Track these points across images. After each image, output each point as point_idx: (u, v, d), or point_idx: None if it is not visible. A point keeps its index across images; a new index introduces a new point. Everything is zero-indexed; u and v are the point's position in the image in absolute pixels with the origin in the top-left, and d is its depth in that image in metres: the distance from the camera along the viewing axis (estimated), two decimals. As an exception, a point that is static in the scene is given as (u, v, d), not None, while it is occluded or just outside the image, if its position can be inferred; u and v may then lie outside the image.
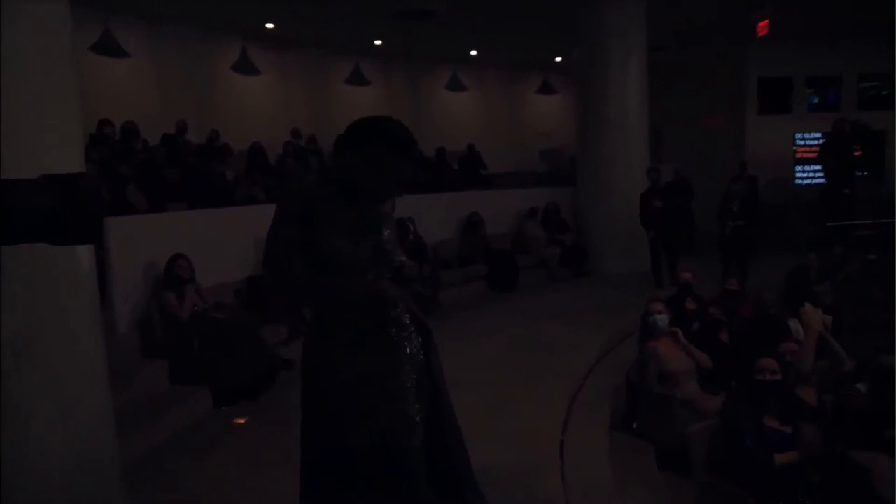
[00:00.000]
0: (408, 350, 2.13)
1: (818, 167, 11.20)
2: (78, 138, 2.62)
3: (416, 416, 2.11)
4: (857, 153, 9.62)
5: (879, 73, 12.94)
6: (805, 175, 12.00)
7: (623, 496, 3.46)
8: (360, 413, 2.05)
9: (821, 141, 11.48)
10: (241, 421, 4.23)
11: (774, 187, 11.94)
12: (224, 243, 5.64)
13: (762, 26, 11.49)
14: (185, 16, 9.98)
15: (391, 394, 2.07)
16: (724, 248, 8.14)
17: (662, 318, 4.47)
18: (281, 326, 5.28)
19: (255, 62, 11.31)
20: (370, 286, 2.06)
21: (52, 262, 2.20)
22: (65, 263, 2.26)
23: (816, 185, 11.42)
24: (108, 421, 2.67)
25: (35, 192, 1.09)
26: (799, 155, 12.10)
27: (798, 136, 12.10)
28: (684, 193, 9.70)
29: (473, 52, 13.57)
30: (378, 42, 12.21)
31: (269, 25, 10.81)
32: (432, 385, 2.18)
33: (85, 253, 2.38)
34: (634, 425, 4.46)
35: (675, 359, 4.31)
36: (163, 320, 4.61)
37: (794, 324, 5.29)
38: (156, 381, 4.28)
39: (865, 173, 11.11)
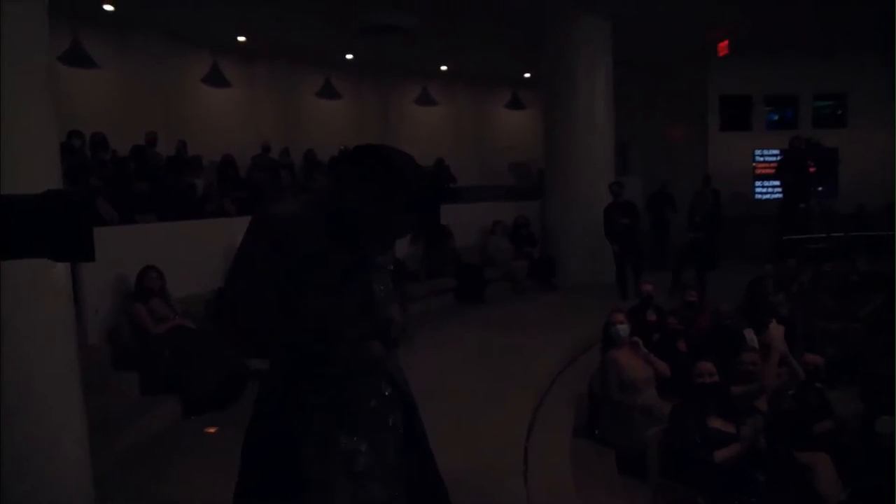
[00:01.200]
0: (389, 422, 1.83)
1: (776, 182, 11.59)
2: (54, 149, 2.69)
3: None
4: (811, 170, 9.99)
5: (833, 93, 13.47)
6: (764, 190, 12.39)
7: (582, 498, 3.60)
8: (324, 497, 1.72)
9: (778, 158, 11.89)
10: (212, 430, 4.29)
11: (735, 201, 12.30)
12: (194, 255, 5.69)
13: (722, 46, 11.95)
14: (154, 27, 10.01)
15: (368, 475, 1.75)
16: (681, 258, 8.43)
17: (623, 328, 4.65)
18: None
19: (226, 74, 11.35)
20: (355, 352, 1.73)
21: (31, 275, 2.26)
22: (42, 276, 2.34)
23: (775, 199, 11.81)
24: (81, 431, 2.73)
25: (37, 207, 1.20)
26: (758, 171, 12.50)
27: (757, 152, 12.51)
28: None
29: (444, 67, 13.78)
30: (349, 56, 12.34)
31: (241, 38, 10.88)
32: (419, 456, 1.90)
33: (62, 266, 2.45)
34: (596, 431, 4.63)
35: (634, 367, 4.48)
36: (133, 331, 4.65)
37: (748, 333, 5.55)
38: (126, 391, 4.31)
39: (821, 189, 11.56)
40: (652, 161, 13.40)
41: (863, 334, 6.32)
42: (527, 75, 14.48)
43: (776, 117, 13.49)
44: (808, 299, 7.49)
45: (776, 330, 4.85)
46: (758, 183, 12.47)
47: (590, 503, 3.63)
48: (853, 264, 8.43)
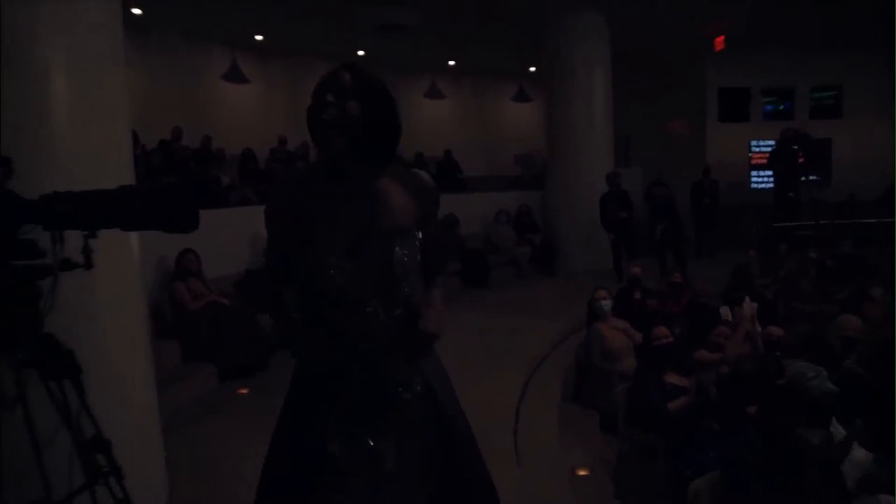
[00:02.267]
0: (421, 420, 1.74)
1: (770, 172, 12.07)
2: (128, 144, 3.27)
3: None
4: (800, 160, 10.47)
5: (829, 85, 13.89)
6: (760, 179, 12.86)
7: (562, 448, 4.20)
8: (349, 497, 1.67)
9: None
10: (244, 391, 4.93)
11: (732, 190, 12.78)
12: (223, 240, 6.30)
13: (719, 41, 12.39)
14: (176, 27, 10.60)
15: (389, 479, 1.68)
16: (659, 246, 9.17)
17: (606, 304, 5.22)
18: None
19: (244, 71, 11.94)
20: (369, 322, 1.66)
21: (112, 253, 2.83)
22: (120, 254, 2.92)
23: (770, 188, 12.27)
24: (150, 380, 3.32)
25: (156, 194, 1.78)
26: (754, 161, 12.97)
27: (753, 143, 12.98)
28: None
29: (451, 62, 14.30)
30: (361, 52, 12.89)
31: (259, 37, 11.46)
32: (455, 455, 1.78)
33: (136, 247, 3.05)
34: (582, 397, 5.21)
35: (615, 338, 5.06)
36: (173, 307, 5.27)
37: (724, 310, 6.10)
38: (169, 358, 4.93)
39: (812, 178, 12.01)
40: (653, 153, 13.90)
41: (833, 315, 6.83)
42: (532, 69, 14.96)
43: (772, 108, 13.93)
44: (790, 283, 8.02)
45: (747, 307, 5.44)
46: (754, 172, 12.94)
47: (568, 454, 4.22)
48: (835, 251, 8.94)
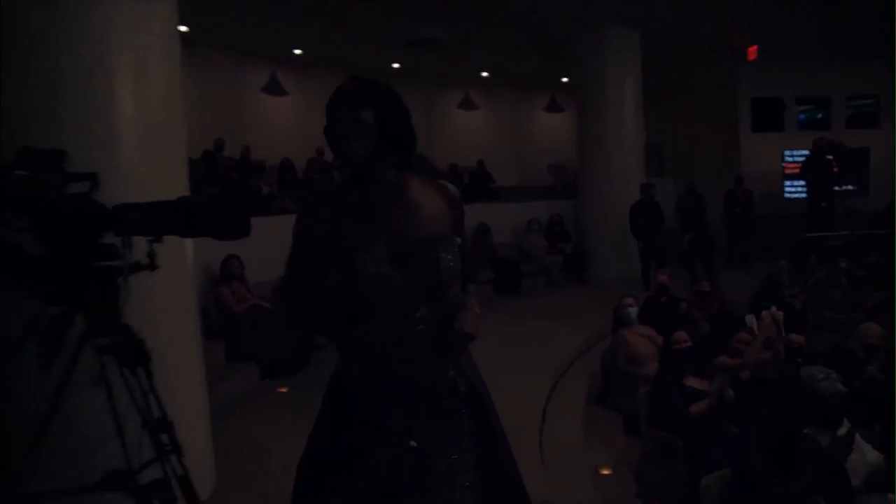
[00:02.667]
0: (463, 421, 1.74)
1: (804, 182, 12.03)
2: (183, 157, 3.57)
3: None
4: (835, 170, 10.45)
5: (866, 93, 13.78)
6: (794, 189, 12.81)
7: (586, 448, 4.37)
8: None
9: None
10: (283, 390, 5.21)
11: (766, 200, 12.76)
12: (263, 247, 6.58)
13: (752, 51, 12.41)
14: (219, 42, 11.04)
15: (439, 479, 1.68)
16: (689, 255, 9.28)
17: (633, 311, 5.38)
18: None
19: (283, 84, 12.35)
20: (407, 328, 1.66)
21: (169, 258, 3.12)
22: (177, 260, 3.20)
23: (804, 198, 12.22)
24: (201, 373, 3.59)
25: (210, 204, 2.04)
26: (788, 170, 12.92)
27: (787, 152, 12.94)
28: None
29: (484, 74, 14.55)
30: (396, 65, 13.22)
31: (297, 51, 11.86)
32: (492, 458, 1.79)
33: (190, 253, 3.33)
34: (608, 401, 5.37)
35: (639, 343, 5.21)
36: (218, 309, 5.58)
37: (749, 318, 6.20)
38: (213, 358, 5.22)
39: (848, 188, 11.94)
40: (686, 162, 13.93)
41: (860, 323, 6.86)
42: (564, 80, 15.12)
43: (806, 118, 13.86)
44: (819, 292, 8.05)
45: (770, 315, 5.54)
46: (787, 182, 12.89)
47: (591, 453, 4.39)
48: (866, 260, 8.92)
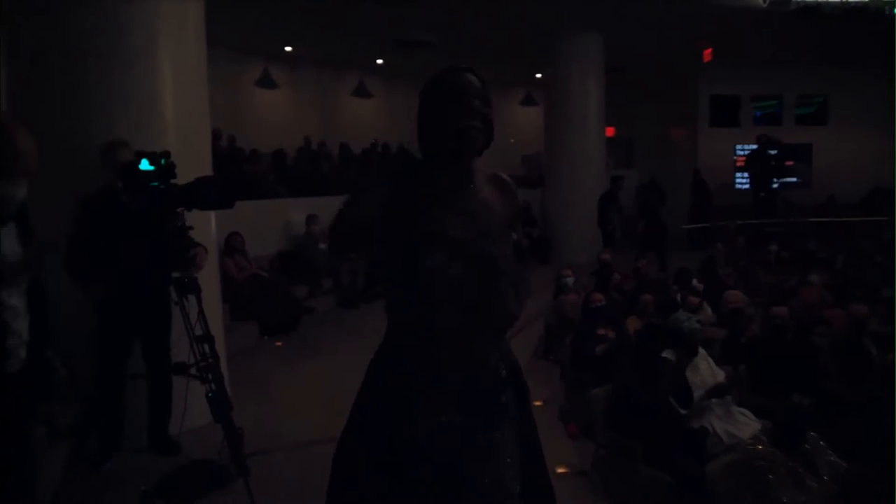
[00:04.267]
0: (502, 400, 1.75)
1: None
2: (209, 144, 4.56)
3: (515, 484, 1.73)
4: (788, 164, 11.58)
5: (815, 94, 14.94)
6: (744, 181, 13.96)
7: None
8: (441, 478, 1.65)
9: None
10: (279, 344, 6.25)
11: (722, 191, 13.92)
12: (260, 226, 7.63)
13: (707, 53, 13.47)
14: (215, 40, 11.91)
15: (484, 454, 1.69)
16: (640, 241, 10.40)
17: (570, 280, 6.45)
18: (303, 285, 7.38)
19: (275, 78, 13.30)
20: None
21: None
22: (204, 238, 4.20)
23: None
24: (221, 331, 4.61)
25: (211, 185, 3.06)
26: (738, 163, 14.07)
27: (738, 147, 14.06)
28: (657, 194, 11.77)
29: (464, 70, 15.51)
30: (380, 61, 14.18)
31: (288, 48, 12.80)
32: (525, 441, 1.81)
33: (213, 236, 4.34)
34: (551, 357, 6.45)
35: (575, 307, 6.28)
36: (222, 278, 6.57)
37: (695, 283, 7.37)
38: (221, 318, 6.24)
39: (793, 180, 13.11)
40: (653, 155, 15.08)
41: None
42: (539, 75, 16.13)
43: (760, 115, 15.02)
44: (750, 272, 9.19)
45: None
46: (738, 174, 14.04)
47: (532, 393, 5.44)
48: (794, 245, 10.09)
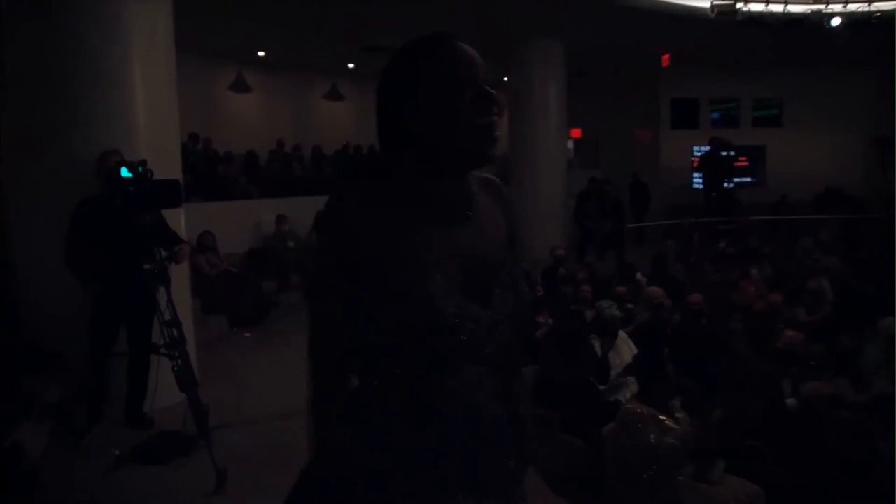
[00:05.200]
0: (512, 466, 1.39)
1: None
2: (175, 144, 4.97)
3: None
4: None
5: (771, 97, 15.61)
6: (700, 180, 14.55)
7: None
8: None
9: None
10: (248, 335, 6.69)
11: (681, 191, 14.53)
12: (233, 225, 8.05)
13: (665, 59, 14.06)
14: (190, 45, 12.26)
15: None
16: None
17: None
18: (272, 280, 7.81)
19: (248, 82, 13.67)
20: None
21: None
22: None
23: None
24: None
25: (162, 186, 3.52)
26: (696, 164, 14.67)
27: (696, 148, 14.66)
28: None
29: (433, 73, 15.98)
30: (351, 65, 14.60)
31: (261, 53, 13.18)
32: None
33: (183, 233, 4.77)
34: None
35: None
36: (194, 274, 6.98)
37: (639, 276, 7.92)
38: (194, 311, 6.65)
39: (748, 180, 13.72)
40: (617, 156, 15.67)
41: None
42: (506, 79, 16.63)
43: (719, 117, 15.67)
44: (698, 267, 9.76)
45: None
46: (695, 174, 14.64)
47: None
48: (742, 242, 10.70)
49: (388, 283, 1.23)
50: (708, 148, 12.89)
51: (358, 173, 1.41)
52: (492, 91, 1.27)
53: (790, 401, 3.98)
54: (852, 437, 3.22)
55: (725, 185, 12.56)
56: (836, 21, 9.62)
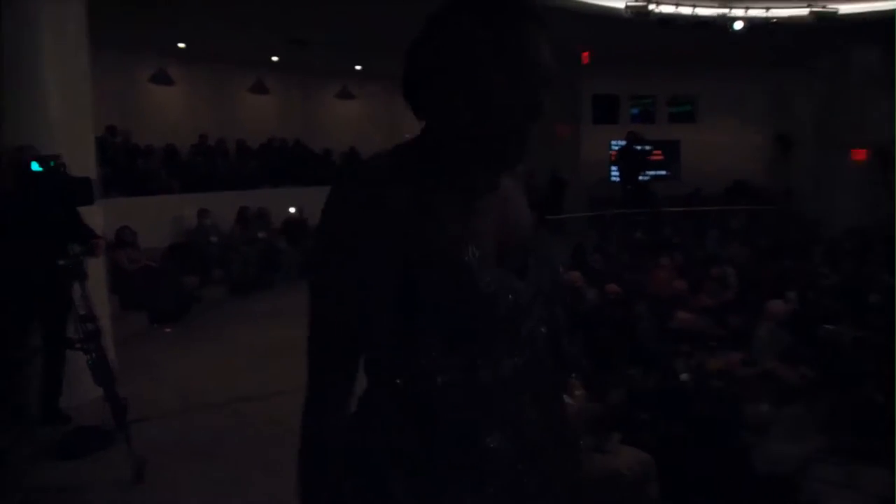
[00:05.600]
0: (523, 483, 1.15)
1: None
2: (90, 138, 4.93)
3: None
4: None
5: (686, 94, 16.36)
6: (617, 174, 15.14)
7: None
8: None
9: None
10: (168, 330, 6.66)
11: (601, 184, 15.05)
12: (153, 220, 7.96)
13: (585, 56, 14.53)
14: (109, 36, 11.92)
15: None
16: None
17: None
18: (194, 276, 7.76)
19: (170, 74, 13.37)
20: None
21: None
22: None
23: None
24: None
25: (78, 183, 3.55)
26: (613, 158, 15.26)
27: (613, 142, 15.23)
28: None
29: (358, 67, 16.02)
30: (275, 58, 14.46)
31: (181, 45, 12.91)
32: None
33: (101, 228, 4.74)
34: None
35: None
36: (114, 269, 6.89)
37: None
38: (111, 307, 6.57)
39: (658, 173, 14.36)
40: (541, 150, 16.05)
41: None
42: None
43: (637, 112, 16.32)
44: (614, 256, 10.24)
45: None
46: (613, 168, 15.23)
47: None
48: (656, 232, 11.27)
49: (419, 257, 1.07)
50: (624, 142, 13.46)
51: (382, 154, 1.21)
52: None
53: (684, 376, 4.32)
54: (718, 402, 3.56)
55: (641, 178, 13.11)
56: (738, 25, 10.21)
